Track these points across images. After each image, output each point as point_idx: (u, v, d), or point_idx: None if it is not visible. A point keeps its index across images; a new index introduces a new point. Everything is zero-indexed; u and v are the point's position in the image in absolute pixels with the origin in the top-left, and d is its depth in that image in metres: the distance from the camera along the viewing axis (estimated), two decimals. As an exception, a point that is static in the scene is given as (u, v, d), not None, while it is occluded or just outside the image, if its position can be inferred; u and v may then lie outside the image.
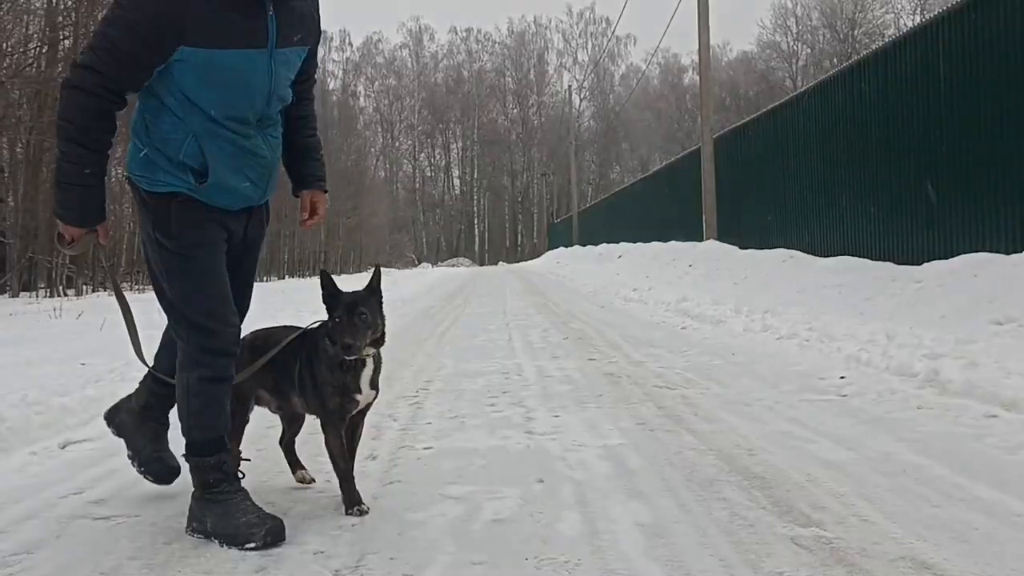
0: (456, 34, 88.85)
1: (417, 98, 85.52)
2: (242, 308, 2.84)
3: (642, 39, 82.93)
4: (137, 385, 3.11)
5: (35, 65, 19.04)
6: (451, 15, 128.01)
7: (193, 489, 2.63)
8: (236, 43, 2.49)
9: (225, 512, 2.53)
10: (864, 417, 3.98)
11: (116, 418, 3.10)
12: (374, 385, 2.84)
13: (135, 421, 3.02)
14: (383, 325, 2.77)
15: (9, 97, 19.58)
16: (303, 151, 2.99)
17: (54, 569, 2.35)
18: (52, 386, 4.50)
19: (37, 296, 18.39)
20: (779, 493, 2.81)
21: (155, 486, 3.00)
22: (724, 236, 16.45)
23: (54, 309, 12.31)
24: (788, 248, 12.63)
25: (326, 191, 3.05)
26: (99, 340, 7.08)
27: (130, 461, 3.02)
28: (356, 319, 2.65)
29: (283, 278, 38.23)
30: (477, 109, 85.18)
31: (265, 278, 36.46)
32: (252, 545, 2.46)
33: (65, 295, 18.77)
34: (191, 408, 2.62)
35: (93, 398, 4.33)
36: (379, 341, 2.76)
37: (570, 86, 64.25)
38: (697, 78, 25.73)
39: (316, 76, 3.09)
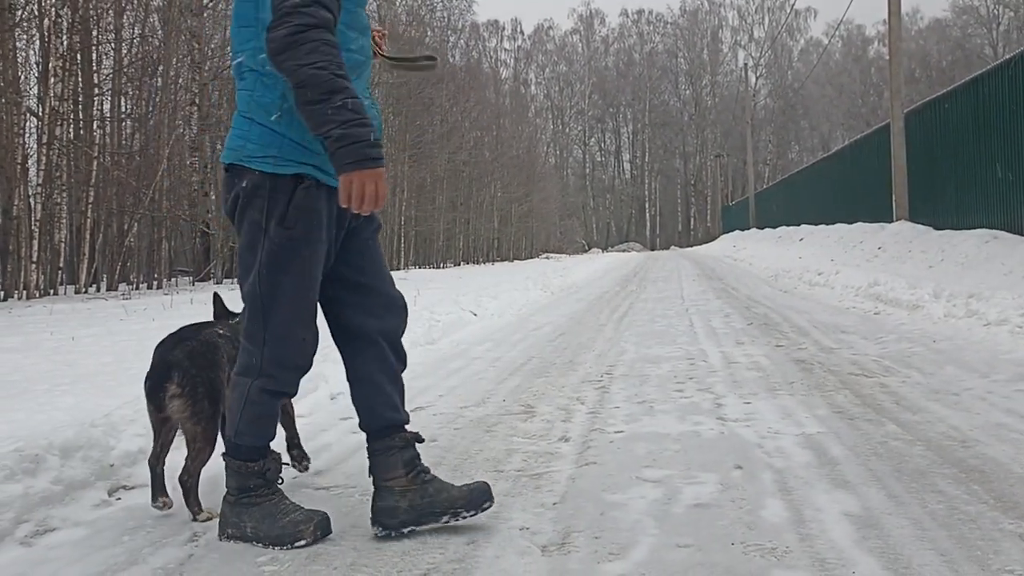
0: (627, 17, 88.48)
1: (587, 83, 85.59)
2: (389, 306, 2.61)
3: (823, 12, 79.55)
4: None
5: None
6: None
7: (226, 493, 2.50)
8: None
9: (267, 513, 2.43)
10: (1092, 410, 3.67)
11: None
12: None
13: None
14: None
15: (211, 98, 21.18)
16: None
17: (286, 533, 2.53)
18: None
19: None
20: (1002, 488, 2.64)
21: (362, 460, 2.94)
22: (915, 216, 15.54)
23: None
24: (990, 228, 11.79)
25: None
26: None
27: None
28: None
29: (459, 264, 39.32)
30: (648, 92, 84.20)
31: (442, 264, 37.71)
32: (303, 543, 2.38)
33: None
34: (244, 415, 2.46)
35: (308, 376, 4.59)
36: None
37: (746, 64, 62.71)
38: (883, 49, 24.31)
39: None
